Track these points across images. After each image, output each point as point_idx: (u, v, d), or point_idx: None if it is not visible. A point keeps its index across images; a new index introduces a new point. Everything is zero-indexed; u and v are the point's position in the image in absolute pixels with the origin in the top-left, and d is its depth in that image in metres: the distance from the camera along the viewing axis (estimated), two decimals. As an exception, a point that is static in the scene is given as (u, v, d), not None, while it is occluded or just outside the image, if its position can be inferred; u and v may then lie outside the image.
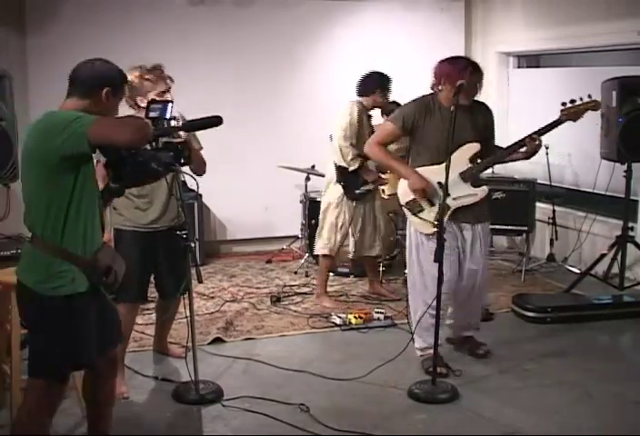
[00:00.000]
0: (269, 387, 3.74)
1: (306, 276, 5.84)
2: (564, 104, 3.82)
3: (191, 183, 3.52)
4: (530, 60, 7.07)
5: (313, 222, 5.71)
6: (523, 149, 3.89)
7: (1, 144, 4.48)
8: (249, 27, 6.43)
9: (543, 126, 3.84)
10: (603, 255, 5.36)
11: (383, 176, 5.12)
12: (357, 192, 5.01)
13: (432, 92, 3.96)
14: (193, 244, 3.53)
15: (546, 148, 5.09)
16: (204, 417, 3.47)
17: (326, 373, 3.90)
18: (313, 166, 6.06)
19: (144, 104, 3.15)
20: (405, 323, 4.50)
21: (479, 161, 3.90)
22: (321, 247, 5.16)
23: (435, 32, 6.91)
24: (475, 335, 4.22)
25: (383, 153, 4.01)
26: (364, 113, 5.01)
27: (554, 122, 3.84)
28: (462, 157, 3.84)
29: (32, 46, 5.89)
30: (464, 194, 3.87)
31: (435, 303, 3.65)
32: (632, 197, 5.28)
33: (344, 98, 5.07)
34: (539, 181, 6.07)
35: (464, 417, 3.43)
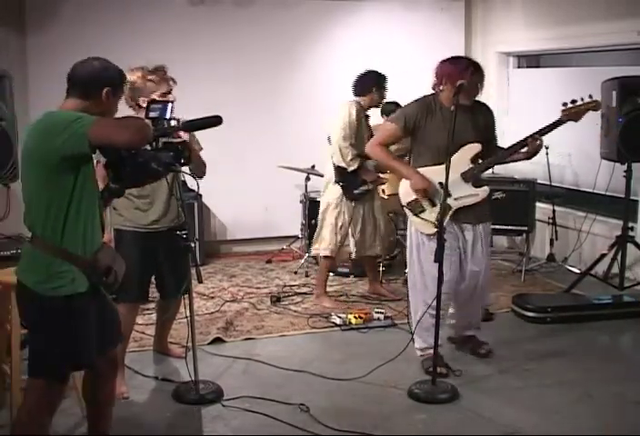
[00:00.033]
0: (269, 387, 3.74)
1: (306, 276, 5.84)
2: (564, 104, 3.81)
3: (191, 183, 3.52)
4: (530, 60, 7.08)
5: (313, 222, 5.71)
6: (524, 149, 3.89)
7: (1, 144, 4.48)
8: (249, 27, 6.43)
9: (544, 126, 3.84)
10: (603, 255, 5.36)
11: (382, 176, 5.12)
12: (356, 192, 5.00)
13: (433, 92, 3.96)
14: (193, 244, 3.53)
15: (546, 148, 5.08)
16: (204, 417, 3.47)
17: (326, 373, 3.90)
18: (313, 166, 6.06)
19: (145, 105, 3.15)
20: (405, 323, 4.49)
21: (480, 161, 3.90)
22: (323, 248, 5.15)
23: (435, 32, 6.91)
24: (477, 335, 4.22)
25: (385, 153, 4.01)
26: (362, 113, 5.00)
27: (555, 122, 3.83)
28: (463, 157, 3.83)
29: (32, 46, 5.89)
30: (465, 195, 3.87)
31: (435, 303, 3.66)
32: (632, 197, 5.28)
33: (344, 98, 5.07)
34: (539, 181, 6.07)
35: (464, 417, 3.43)
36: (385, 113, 5.93)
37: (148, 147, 2.71)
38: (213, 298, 5.30)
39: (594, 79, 5.24)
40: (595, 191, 5.71)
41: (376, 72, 5.05)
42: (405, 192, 3.95)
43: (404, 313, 4.61)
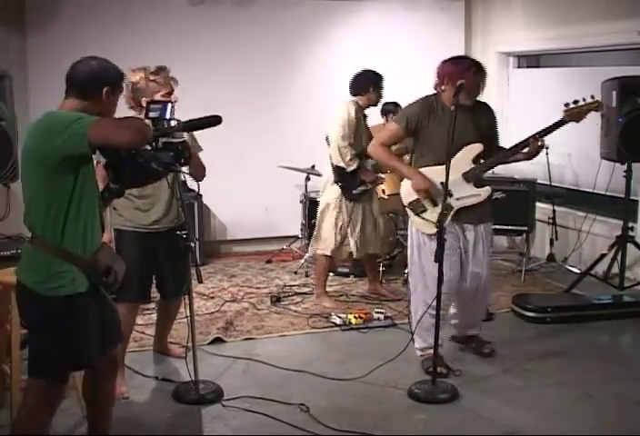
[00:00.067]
0: (269, 387, 3.74)
1: (306, 276, 5.83)
2: (566, 104, 3.80)
3: (191, 183, 3.52)
4: (530, 60, 7.08)
5: (313, 222, 5.71)
6: (525, 150, 3.88)
7: (1, 144, 4.48)
8: (249, 27, 6.43)
9: (546, 127, 3.82)
10: (603, 255, 5.36)
11: (382, 176, 5.12)
12: (355, 192, 5.00)
13: (435, 92, 3.96)
14: (193, 244, 3.53)
15: (546, 148, 5.06)
16: (204, 417, 3.47)
17: (326, 373, 3.90)
18: (313, 166, 6.06)
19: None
20: (405, 323, 4.49)
21: (482, 161, 3.90)
22: (322, 248, 5.15)
23: (435, 32, 6.91)
24: (479, 334, 4.22)
25: (386, 153, 4.01)
26: (360, 113, 5.00)
27: (557, 122, 3.82)
28: (465, 158, 3.83)
29: (32, 46, 5.89)
30: (467, 195, 3.87)
31: (435, 303, 3.65)
32: (632, 197, 5.28)
33: (344, 98, 5.07)
34: (539, 181, 6.06)
35: (464, 417, 3.43)
36: (384, 112, 5.94)
37: (148, 147, 2.72)
38: (213, 298, 5.30)
39: (594, 79, 5.24)
40: (595, 191, 5.71)
41: (373, 71, 5.04)
42: (407, 192, 3.95)
43: (404, 313, 4.62)
